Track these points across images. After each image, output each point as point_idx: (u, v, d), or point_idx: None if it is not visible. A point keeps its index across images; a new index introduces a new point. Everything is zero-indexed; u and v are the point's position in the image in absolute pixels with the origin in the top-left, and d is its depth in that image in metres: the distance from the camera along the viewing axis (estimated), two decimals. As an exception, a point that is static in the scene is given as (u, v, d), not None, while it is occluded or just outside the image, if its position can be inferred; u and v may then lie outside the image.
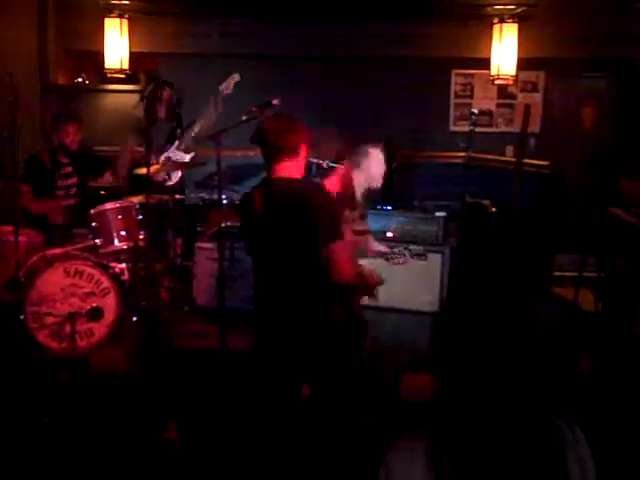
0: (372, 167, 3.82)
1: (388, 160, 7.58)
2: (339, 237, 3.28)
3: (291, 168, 3.37)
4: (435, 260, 6.26)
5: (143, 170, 5.54)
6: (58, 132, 6.11)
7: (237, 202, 3.91)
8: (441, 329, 1.71)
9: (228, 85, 6.35)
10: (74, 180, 6.24)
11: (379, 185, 3.86)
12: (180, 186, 6.58)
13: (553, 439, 1.64)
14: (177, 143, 6.54)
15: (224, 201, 6.00)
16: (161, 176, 6.28)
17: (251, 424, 3.61)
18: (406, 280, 6.20)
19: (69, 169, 6.22)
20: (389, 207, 6.57)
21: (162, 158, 6.34)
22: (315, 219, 3.24)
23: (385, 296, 6.25)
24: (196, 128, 6.42)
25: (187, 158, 6.49)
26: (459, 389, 1.64)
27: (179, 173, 6.49)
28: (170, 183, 6.13)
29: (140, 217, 5.74)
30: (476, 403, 1.62)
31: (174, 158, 6.39)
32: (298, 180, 3.42)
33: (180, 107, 6.78)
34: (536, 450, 1.61)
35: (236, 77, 6.42)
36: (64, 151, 6.15)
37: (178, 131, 6.61)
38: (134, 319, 5.53)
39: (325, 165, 6.86)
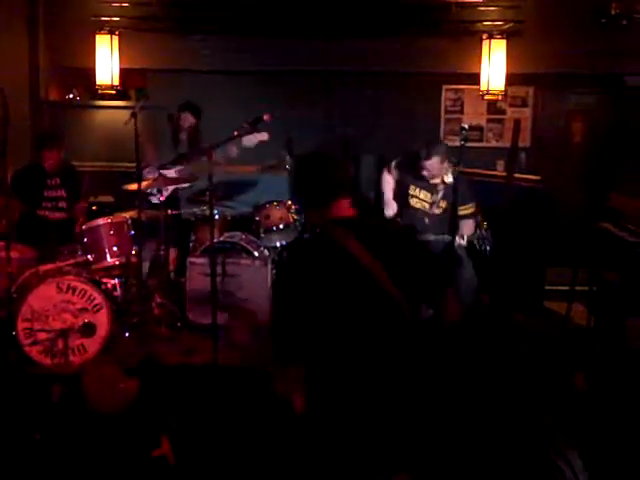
0: None
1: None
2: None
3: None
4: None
5: (134, 186, 5.53)
6: (40, 155, 6.29)
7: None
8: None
9: (250, 140, 6.22)
10: (62, 193, 6.28)
11: None
12: (175, 201, 6.55)
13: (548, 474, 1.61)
14: (181, 167, 6.51)
15: (216, 216, 6.00)
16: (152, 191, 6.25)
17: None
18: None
19: (57, 181, 6.27)
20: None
21: (156, 174, 6.30)
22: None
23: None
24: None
25: (173, 173, 6.46)
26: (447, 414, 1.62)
27: (169, 189, 6.45)
28: (162, 198, 6.09)
29: (132, 232, 5.75)
30: (465, 430, 1.59)
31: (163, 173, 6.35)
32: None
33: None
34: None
35: (265, 136, 6.27)
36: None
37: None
38: (126, 335, 5.52)
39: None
